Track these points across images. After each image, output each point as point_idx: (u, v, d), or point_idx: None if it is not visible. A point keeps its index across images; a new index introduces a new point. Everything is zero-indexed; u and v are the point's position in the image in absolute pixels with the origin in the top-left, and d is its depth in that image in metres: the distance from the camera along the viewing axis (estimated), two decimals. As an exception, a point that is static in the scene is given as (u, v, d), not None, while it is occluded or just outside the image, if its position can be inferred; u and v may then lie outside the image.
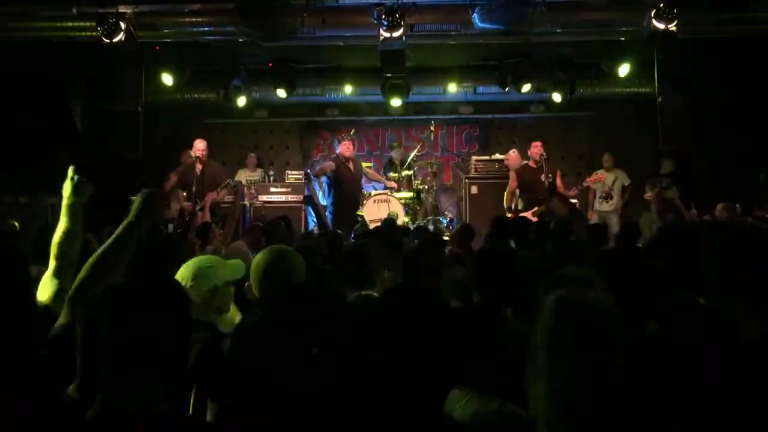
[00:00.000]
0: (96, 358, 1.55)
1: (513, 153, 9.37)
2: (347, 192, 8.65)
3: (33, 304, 1.05)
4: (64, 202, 2.38)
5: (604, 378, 1.54)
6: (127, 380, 1.50)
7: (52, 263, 2.29)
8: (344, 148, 8.80)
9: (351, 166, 8.73)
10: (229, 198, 9.03)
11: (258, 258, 2.59)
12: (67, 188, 2.37)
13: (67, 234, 2.28)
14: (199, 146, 8.33)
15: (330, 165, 8.98)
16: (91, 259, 2.08)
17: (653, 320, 1.53)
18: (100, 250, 2.11)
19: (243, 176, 10.15)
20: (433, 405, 1.40)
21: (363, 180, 9.53)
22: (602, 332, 1.58)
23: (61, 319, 2.00)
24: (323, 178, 9.53)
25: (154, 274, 1.77)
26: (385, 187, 9.49)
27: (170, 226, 8.38)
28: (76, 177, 2.39)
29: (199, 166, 8.23)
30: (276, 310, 1.02)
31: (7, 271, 1.10)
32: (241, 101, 10.08)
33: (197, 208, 8.03)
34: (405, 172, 9.76)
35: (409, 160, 9.96)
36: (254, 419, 1.25)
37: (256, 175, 10.32)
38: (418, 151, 10.32)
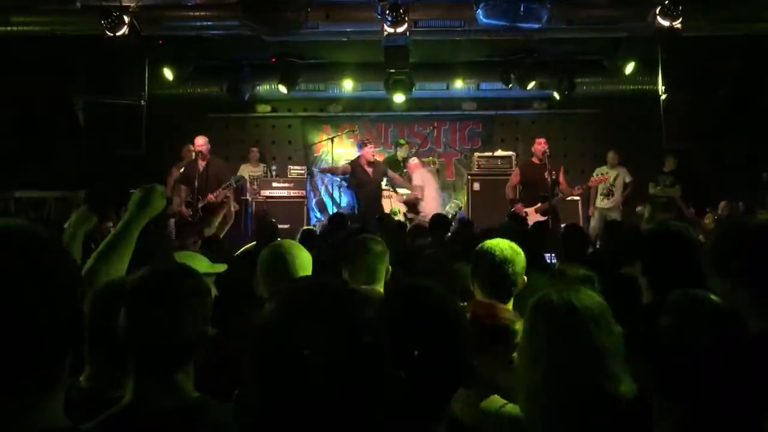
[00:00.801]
0: (114, 348, 1.57)
1: (413, 162, 9.36)
2: (363, 194, 8.54)
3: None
4: (68, 228, 2.37)
5: (580, 377, 1.53)
6: (157, 369, 1.53)
7: None
8: (367, 151, 8.62)
9: (370, 169, 8.56)
10: (230, 194, 8.98)
11: (263, 254, 2.59)
12: (72, 216, 2.36)
13: None
14: (200, 142, 8.16)
15: (344, 167, 8.88)
16: (96, 250, 2.07)
17: (665, 315, 1.53)
18: (104, 242, 2.10)
19: (245, 171, 10.13)
20: (440, 406, 1.39)
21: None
22: (579, 332, 1.56)
23: None
24: (336, 177, 9.48)
25: (173, 265, 1.80)
26: (391, 187, 9.37)
27: (171, 221, 8.39)
28: (81, 207, 2.38)
29: (202, 163, 8.13)
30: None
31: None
32: (244, 96, 10.06)
33: (199, 205, 8.00)
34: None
35: (411, 156, 9.95)
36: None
37: (259, 170, 10.30)
38: (420, 147, 10.30)
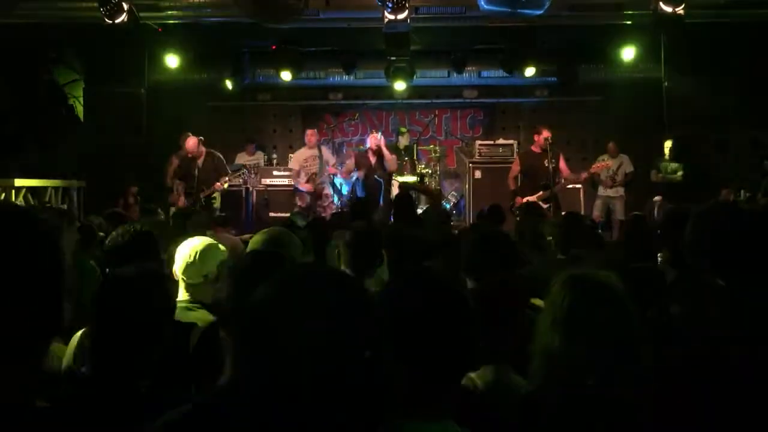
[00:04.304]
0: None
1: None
2: (366, 184, 8.47)
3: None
4: None
5: (603, 351, 1.57)
6: None
7: None
8: (370, 140, 8.51)
9: (373, 159, 8.46)
10: (237, 181, 8.94)
11: (252, 241, 2.57)
12: None
13: None
14: (190, 146, 8.00)
15: (351, 164, 8.81)
16: None
17: (675, 302, 1.52)
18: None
19: (242, 161, 10.14)
20: (449, 391, 1.38)
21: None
22: (612, 309, 1.61)
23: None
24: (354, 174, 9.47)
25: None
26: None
27: (171, 210, 8.37)
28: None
29: (198, 160, 8.07)
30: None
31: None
32: (244, 84, 10.01)
33: (202, 196, 7.98)
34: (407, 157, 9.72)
35: (412, 144, 9.90)
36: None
37: (254, 159, 10.30)
38: (422, 135, 10.25)
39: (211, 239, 2.83)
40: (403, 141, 9.91)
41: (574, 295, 1.66)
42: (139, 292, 1.75)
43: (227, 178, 8.00)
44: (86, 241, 3.78)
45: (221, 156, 8.45)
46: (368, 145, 8.69)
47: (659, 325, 1.56)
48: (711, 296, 1.53)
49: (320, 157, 8.80)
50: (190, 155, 8.09)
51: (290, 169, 9.93)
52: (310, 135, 9.04)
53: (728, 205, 2.06)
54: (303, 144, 11.25)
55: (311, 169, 8.73)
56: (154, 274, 1.86)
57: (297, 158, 9.11)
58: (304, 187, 8.63)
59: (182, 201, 8.09)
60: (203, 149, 8.13)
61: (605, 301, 1.62)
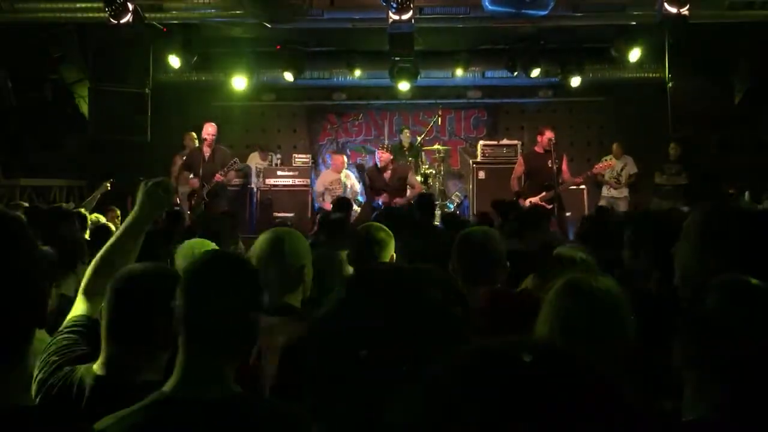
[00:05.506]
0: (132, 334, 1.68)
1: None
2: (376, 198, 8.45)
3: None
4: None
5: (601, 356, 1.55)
6: (209, 358, 1.49)
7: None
8: (378, 156, 8.53)
9: (386, 175, 8.44)
10: (237, 181, 8.99)
11: (258, 241, 2.51)
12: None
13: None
14: (209, 130, 8.16)
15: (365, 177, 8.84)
16: (99, 254, 2.04)
17: (710, 297, 1.53)
18: (106, 246, 2.06)
19: (254, 161, 10.19)
20: None
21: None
22: (607, 317, 1.64)
23: (75, 312, 2.01)
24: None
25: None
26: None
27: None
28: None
29: (207, 150, 8.12)
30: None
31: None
32: (249, 84, 10.03)
33: (204, 192, 8.00)
34: (411, 157, 9.72)
35: (416, 144, 9.91)
36: None
37: (267, 162, 10.34)
38: (425, 136, 10.25)
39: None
40: (405, 139, 9.93)
41: (571, 302, 1.68)
42: (150, 290, 1.73)
43: (225, 170, 8.02)
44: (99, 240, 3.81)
45: (227, 150, 8.47)
46: (377, 157, 8.62)
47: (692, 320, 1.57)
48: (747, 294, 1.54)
49: (344, 184, 9.02)
50: (200, 140, 8.13)
51: (295, 169, 9.96)
52: (339, 161, 9.27)
53: (731, 205, 2.05)
54: (307, 144, 11.34)
55: (336, 192, 8.85)
56: (167, 272, 1.84)
57: (322, 180, 9.32)
58: (328, 207, 8.71)
59: (178, 197, 8.12)
60: (213, 139, 8.17)
61: (600, 309, 1.64)
